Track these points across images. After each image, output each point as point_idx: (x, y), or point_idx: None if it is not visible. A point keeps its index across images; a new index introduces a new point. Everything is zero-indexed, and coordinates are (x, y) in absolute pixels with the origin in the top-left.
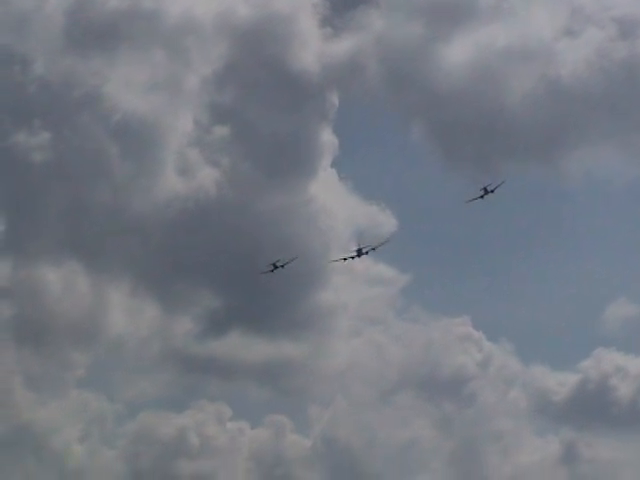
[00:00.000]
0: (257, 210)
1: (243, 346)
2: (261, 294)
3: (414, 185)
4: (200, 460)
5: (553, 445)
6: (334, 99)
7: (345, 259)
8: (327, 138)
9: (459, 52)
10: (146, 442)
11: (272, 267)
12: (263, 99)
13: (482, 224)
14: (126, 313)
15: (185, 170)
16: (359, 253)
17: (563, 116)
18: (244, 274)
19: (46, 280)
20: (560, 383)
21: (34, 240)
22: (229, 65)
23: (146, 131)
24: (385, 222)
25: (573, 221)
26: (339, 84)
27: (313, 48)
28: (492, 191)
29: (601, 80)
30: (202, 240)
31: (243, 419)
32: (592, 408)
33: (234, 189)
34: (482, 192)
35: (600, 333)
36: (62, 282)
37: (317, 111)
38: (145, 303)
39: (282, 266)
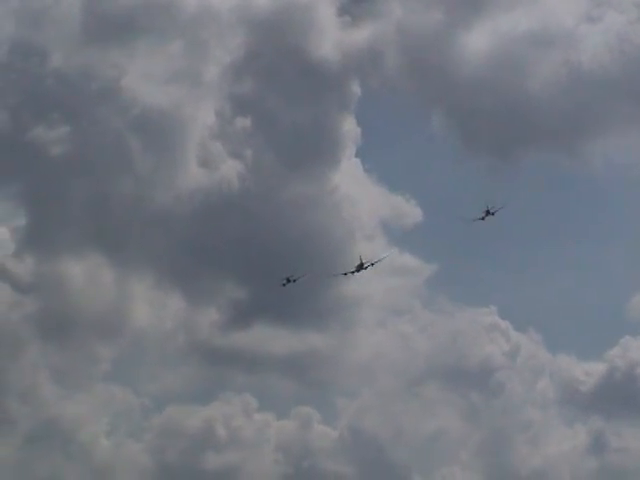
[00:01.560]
0: (280, 200)
1: (268, 338)
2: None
3: (437, 174)
4: (227, 452)
5: (581, 435)
6: (355, 88)
7: (345, 274)
8: (349, 127)
9: (479, 39)
10: (173, 435)
11: (285, 281)
12: (283, 89)
13: (506, 213)
14: (150, 306)
15: (207, 162)
16: (359, 268)
17: (584, 102)
18: (268, 265)
19: (69, 274)
20: (587, 372)
21: (57, 234)
22: (248, 55)
23: (167, 123)
24: (410, 212)
25: (596, 208)
26: (359, 73)
27: (332, 37)
28: (493, 213)
29: (622, 65)
30: (226, 231)
31: (269, 411)
32: (620, 397)
33: (257, 180)
34: (484, 214)
35: (627, 321)
36: (85, 275)
37: (338, 100)
38: (169, 295)
39: (294, 280)
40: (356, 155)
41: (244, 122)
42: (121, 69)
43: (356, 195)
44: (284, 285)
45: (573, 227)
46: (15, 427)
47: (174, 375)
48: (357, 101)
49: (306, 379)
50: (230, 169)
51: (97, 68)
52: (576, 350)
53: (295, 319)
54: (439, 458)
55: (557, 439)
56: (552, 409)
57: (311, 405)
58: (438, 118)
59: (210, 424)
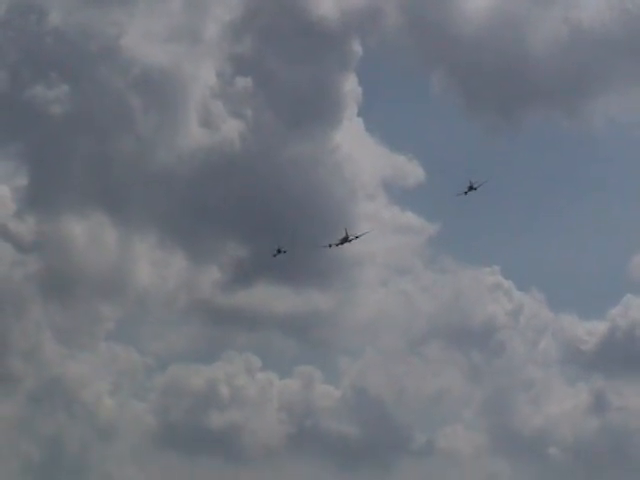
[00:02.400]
0: (281, 160)
1: (270, 297)
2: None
3: (439, 134)
4: (230, 411)
5: (583, 394)
6: (356, 47)
7: (330, 246)
8: (351, 87)
9: None
10: (176, 394)
11: (276, 252)
12: (283, 48)
13: (509, 172)
14: (153, 265)
15: (208, 122)
16: (343, 241)
17: (585, 61)
18: (270, 223)
19: (72, 233)
20: (589, 332)
21: (58, 193)
22: (247, 13)
23: (167, 82)
24: (412, 172)
25: (598, 168)
26: (360, 31)
27: None
28: (475, 188)
29: (624, 24)
30: (227, 190)
31: (272, 370)
32: (621, 356)
33: (258, 140)
34: (467, 189)
35: (628, 280)
36: (88, 235)
37: (339, 59)
38: (171, 255)
39: (284, 251)
40: (358, 114)
41: (245, 82)
42: (121, 27)
43: (358, 154)
44: (275, 256)
45: (575, 186)
46: (19, 386)
47: (177, 334)
48: (359, 60)
49: (308, 338)
50: (231, 129)
51: (96, 27)
52: (578, 309)
53: (297, 278)
54: (442, 417)
55: (559, 398)
56: (554, 368)
57: (314, 364)
58: (439, 77)
59: (213, 383)
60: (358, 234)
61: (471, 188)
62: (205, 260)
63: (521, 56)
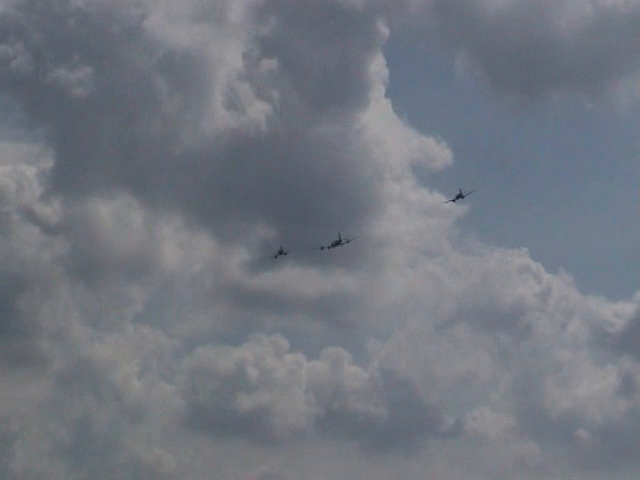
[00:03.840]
0: (308, 141)
1: (297, 278)
2: (315, 225)
3: (466, 115)
4: (259, 393)
5: (611, 376)
6: (383, 28)
7: (322, 248)
8: (378, 68)
9: None
10: (204, 376)
11: (277, 253)
12: (309, 29)
13: (537, 155)
14: (180, 247)
15: (234, 104)
16: (335, 244)
17: (610, 42)
18: (297, 205)
19: (99, 215)
20: (617, 313)
21: (84, 175)
22: None
23: (192, 65)
24: (440, 154)
25: (625, 150)
26: (385, 12)
27: None
28: (463, 197)
29: None
30: (254, 172)
31: (300, 351)
32: None
33: (284, 121)
34: (454, 197)
35: None
36: (115, 216)
37: (365, 40)
38: (198, 236)
39: (285, 253)
40: (386, 96)
41: (270, 63)
42: (144, 9)
43: (385, 136)
44: (275, 257)
45: (602, 167)
46: (47, 368)
47: (204, 316)
48: (385, 41)
49: (336, 320)
50: (257, 111)
51: (119, 8)
52: (606, 291)
53: (324, 259)
54: (469, 399)
55: (587, 380)
56: (582, 350)
57: (341, 346)
58: (464, 58)
59: (241, 365)
60: (350, 238)
61: (459, 196)
62: (232, 242)
63: (546, 36)
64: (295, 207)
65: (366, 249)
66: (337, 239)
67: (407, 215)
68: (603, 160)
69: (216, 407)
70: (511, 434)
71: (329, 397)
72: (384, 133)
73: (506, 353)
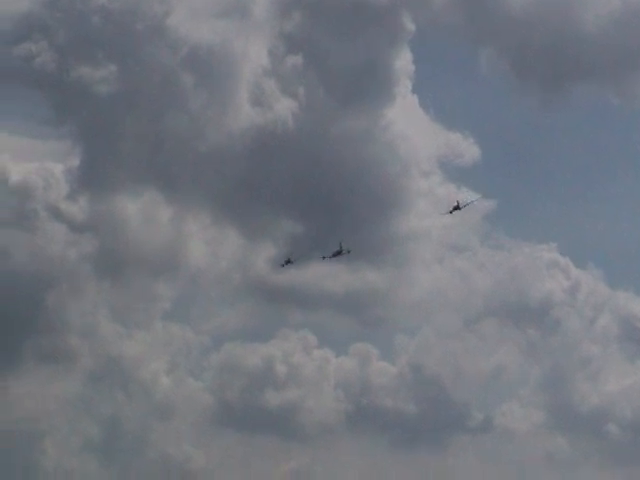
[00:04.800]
0: (334, 137)
1: (324, 274)
2: (342, 220)
3: (492, 110)
4: (287, 389)
5: None
6: (409, 24)
7: (324, 258)
8: (404, 63)
9: None
10: (232, 373)
11: (284, 262)
12: (334, 25)
13: (564, 149)
14: (207, 243)
15: (260, 100)
16: (336, 254)
17: (636, 37)
18: (323, 200)
19: (125, 212)
20: None
21: (111, 172)
22: None
23: (217, 61)
24: (468, 150)
25: None
26: (411, 7)
27: None
28: (460, 208)
29: None
30: (281, 168)
31: (328, 348)
32: None
33: (310, 117)
34: (452, 208)
35: None
36: (141, 213)
37: (391, 36)
38: (225, 233)
39: (292, 262)
40: (413, 91)
41: (295, 60)
42: (168, 5)
43: (412, 131)
44: (283, 266)
45: (630, 161)
46: (77, 365)
47: (232, 313)
48: (411, 37)
49: (364, 316)
50: (283, 107)
51: (143, 5)
52: (636, 286)
53: (351, 255)
54: (498, 395)
55: (617, 375)
56: (612, 345)
57: (370, 342)
58: (489, 53)
59: (269, 361)
60: (350, 248)
61: (456, 208)
62: (259, 238)
63: (571, 31)
64: (321, 203)
65: (393, 245)
66: (338, 249)
67: (435, 210)
68: (630, 154)
69: (245, 404)
70: (540, 429)
71: (357, 393)
72: (411, 129)
73: (535, 348)
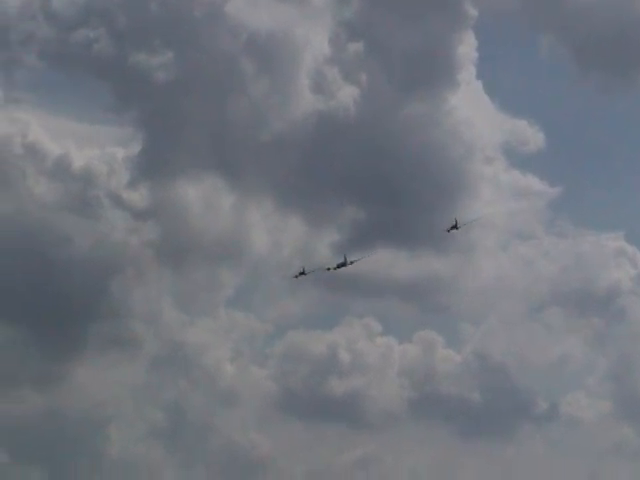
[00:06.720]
0: (397, 123)
1: (388, 261)
2: (405, 206)
3: (555, 97)
4: (351, 377)
5: None
6: (471, 9)
7: (329, 269)
8: (467, 49)
9: None
10: (296, 360)
11: (298, 274)
12: (394, 10)
13: (629, 135)
14: (269, 231)
15: (322, 88)
16: (340, 265)
17: None
18: (386, 186)
19: (187, 199)
20: None
21: (173, 159)
22: None
23: (276, 48)
24: (532, 137)
25: None
26: None
27: None
28: (458, 228)
29: None
30: (343, 155)
31: (392, 335)
32: None
33: (372, 104)
34: (450, 227)
35: None
36: (203, 200)
37: (453, 21)
38: (287, 219)
39: (306, 274)
40: (477, 77)
41: (356, 47)
42: None
43: (476, 117)
44: (296, 277)
45: None
46: (141, 352)
47: (295, 300)
48: (474, 22)
49: (427, 303)
50: (345, 94)
51: None
52: None
53: (414, 242)
54: (564, 384)
55: None
56: None
57: (433, 329)
58: (550, 39)
59: (333, 349)
60: (354, 260)
61: (454, 227)
62: (321, 225)
63: (633, 15)
64: (384, 189)
65: (457, 231)
66: (342, 261)
67: (499, 197)
68: None
69: (308, 391)
70: (607, 419)
71: (422, 381)
72: (475, 115)
73: (601, 337)
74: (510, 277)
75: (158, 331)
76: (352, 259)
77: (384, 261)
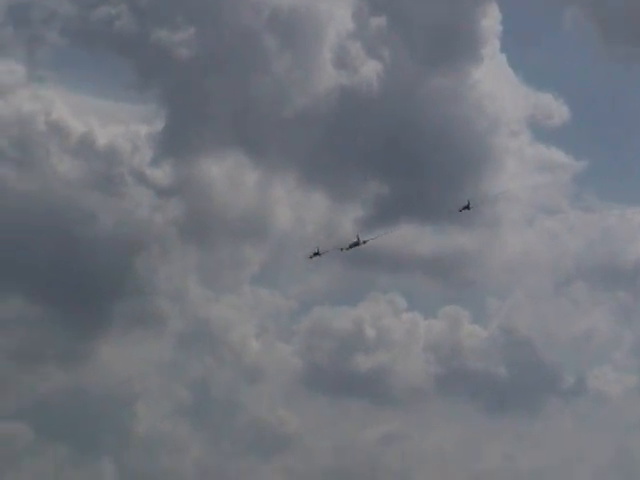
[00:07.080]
0: (420, 97)
1: (412, 236)
2: (429, 180)
3: (579, 70)
4: (377, 352)
5: None
6: None
7: (342, 249)
8: (491, 23)
9: None
10: (321, 336)
11: (313, 254)
12: None
13: None
14: (293, 207)
15: (345, 62)
16: (353, 245)
17: None
18: (410, 160)
19: (211, 175)
20: None
21: (196, 136)
22: None
23: (299, 23)
24: (557, 110)
25: None
26: None
27: None
28: (469, 208)
29: None
30: (367, 130)
31: (418, 310)
32: None
33: (395, 79)
34: (462, 207)
35: None
36: (227, 176)
37: None
38: (311, 195)
39: (320, 254)
40: (501, 51)
41: (379, 21)
42: None
43: (500, 91)
44: (311, 257)
45: None
46: (166, 328)
47: (320, 277)
48: None
49: (452, 278)
50: (368, 69)
51: None
52: None
53: (439, 216)
54: (590, 358)
55: None
56: None
57: (459, 304)
58: (574, 12)
59: (358, 324)
60: (366, 239)
61: (466, 207)
62: (345, 200)
63: None
64: (408, 163)
65: (482, 205)
66: (355, 240)
67: (524, 171)
68: None
69: (334, 367)
70: (634, 393)
71: (448, 356)
72: (499, 88)
73: (627, 312)
74: (536, 251)
75: (183, 308)
76: (365, 238)
77: (408, 236)
